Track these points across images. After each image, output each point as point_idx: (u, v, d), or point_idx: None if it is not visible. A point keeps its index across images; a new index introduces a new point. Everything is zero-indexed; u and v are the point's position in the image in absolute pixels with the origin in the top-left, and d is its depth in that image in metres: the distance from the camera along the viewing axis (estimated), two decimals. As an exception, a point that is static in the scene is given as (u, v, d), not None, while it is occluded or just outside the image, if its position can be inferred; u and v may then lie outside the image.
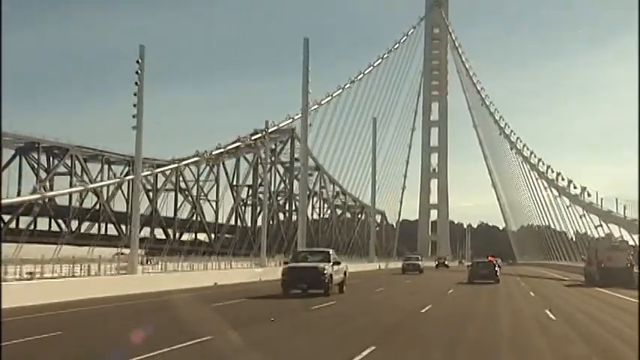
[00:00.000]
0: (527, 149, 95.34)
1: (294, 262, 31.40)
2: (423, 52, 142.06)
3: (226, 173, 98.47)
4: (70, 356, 13.82)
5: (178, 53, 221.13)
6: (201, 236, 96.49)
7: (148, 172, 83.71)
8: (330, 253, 32.35)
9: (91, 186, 79.61)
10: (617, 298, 30.94)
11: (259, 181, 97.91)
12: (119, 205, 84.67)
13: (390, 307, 25.59)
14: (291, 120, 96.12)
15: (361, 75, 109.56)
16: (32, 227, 76.99)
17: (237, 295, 29.69)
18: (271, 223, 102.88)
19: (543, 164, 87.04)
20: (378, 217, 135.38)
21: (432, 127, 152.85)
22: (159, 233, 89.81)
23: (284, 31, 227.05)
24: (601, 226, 63.77)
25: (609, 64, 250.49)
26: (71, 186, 79.53)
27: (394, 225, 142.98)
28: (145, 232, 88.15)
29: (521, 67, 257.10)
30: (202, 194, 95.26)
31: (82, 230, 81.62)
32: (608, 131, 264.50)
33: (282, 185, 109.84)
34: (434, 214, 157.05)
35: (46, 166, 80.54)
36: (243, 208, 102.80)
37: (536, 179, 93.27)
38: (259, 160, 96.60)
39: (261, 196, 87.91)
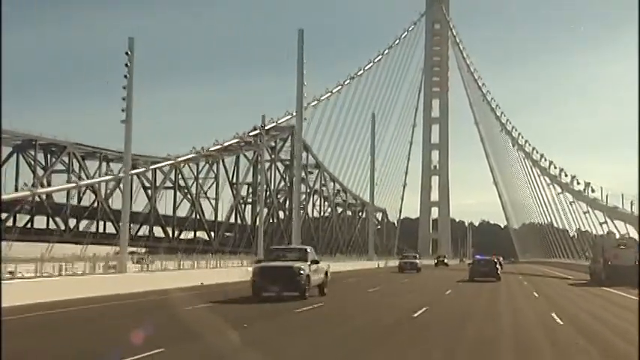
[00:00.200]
0: (530, 145, 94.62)
1: (268, 261, 28.27)
2: (423, 48, 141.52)
3: (226, 171, 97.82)
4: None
5: (178, 53, 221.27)
6: (201, 234, 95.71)
7: (145, 169, 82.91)
8: (308, 250, 29.13)
9: (83, 183, 78.60)
10: (627, 299, 29.43)
11: (259, 178, 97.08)
12: (117, 203, 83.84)
13: (389, 307, 24.66)
14: (289, 116, 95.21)
15: (361, 71, 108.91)
16: (29, 225, 76.36)
17: (216, 297, 26.73)
18: (271, 221, 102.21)
19: (545, 160, 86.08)
20: (379, 215, 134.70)
21: (433, 124, 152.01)
22: (158, 232, 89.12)
23: (283, 29, 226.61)
24: (606, 222, 62.60)
25: (609, 63, 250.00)
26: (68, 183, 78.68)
27: (395, 223, 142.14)
28: (145, 230, 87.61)
29: (521, 66, 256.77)
30: (202, 192, 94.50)
31: (81, 228, 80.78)
32: (608, 130, 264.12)
33: (282, 183, 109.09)
34: (435, 212, 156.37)
35: (43, 163, 79.79)
36: (243, 206, 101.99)
37: (539, 176, 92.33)
38: (259, 158, 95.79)
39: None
